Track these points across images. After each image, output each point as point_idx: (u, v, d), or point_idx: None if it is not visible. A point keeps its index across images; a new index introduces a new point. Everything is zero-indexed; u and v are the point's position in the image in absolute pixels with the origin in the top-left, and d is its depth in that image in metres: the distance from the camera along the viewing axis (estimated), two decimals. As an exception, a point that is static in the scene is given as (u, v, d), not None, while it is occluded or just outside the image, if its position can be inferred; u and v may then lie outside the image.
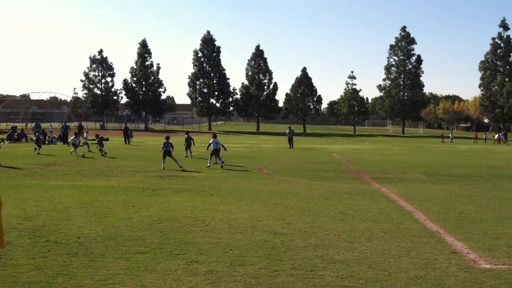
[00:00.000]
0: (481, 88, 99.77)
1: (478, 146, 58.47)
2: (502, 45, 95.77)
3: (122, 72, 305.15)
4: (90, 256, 7.84)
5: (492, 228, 10.50)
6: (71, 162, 24.70)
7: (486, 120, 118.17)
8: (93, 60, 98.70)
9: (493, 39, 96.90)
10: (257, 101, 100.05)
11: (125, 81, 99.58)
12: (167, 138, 23.90)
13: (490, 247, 8.84)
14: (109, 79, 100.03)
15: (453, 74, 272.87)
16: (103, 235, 9.20)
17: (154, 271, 7.10)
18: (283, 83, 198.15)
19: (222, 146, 24.66)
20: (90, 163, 24.36)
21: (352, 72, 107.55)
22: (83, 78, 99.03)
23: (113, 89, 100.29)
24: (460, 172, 22.93)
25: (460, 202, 14.01)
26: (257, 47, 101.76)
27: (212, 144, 24.12)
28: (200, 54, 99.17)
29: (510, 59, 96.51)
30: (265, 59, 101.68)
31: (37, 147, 31.15)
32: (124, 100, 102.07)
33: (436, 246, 8.79)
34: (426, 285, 6.66)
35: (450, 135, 75.34)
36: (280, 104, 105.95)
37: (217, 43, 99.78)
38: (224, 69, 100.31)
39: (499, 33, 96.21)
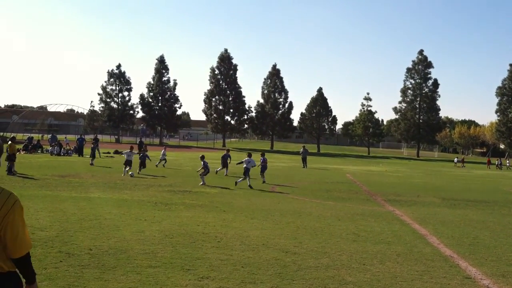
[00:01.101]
0: (498, 113, 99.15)
1: (493, 171, 57.90)
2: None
3: (139, 87, 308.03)
4: (101, 268, 7.85)
5: (506, 254, 10.36)
6: (85, 174, 24.85)
7: (502, 146, 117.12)
8: (111, 74, 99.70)
9: (511, 65, 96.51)
10: (271, 119, 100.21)
11: (141, 95, 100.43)
12: (202, 157, 23.99)
13: (504, 273, 8.72)
14: (126, 93, 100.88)
15: (469, 99, 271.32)
16: (115, 248, 9.21)
17: (165, 286, 7.09)
18: (299, 103, 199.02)
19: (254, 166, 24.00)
20: (104, 176, 24.49)
21: (368, 93, 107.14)
22: (101, 92, 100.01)
23: (129, 104, 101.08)
24: (474, 197, 22.70)
25: (475, 227, 13.85)
26: (274, 66, 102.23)
27: (244, 162, 23.72)
28: (216, 71, 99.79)
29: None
30: (281, 78, 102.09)
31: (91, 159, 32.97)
32: (140, 114, 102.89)
33: (450, 271, 8.69)
34: (438, 310, 6.57)
35: (455, 159, 74.12)
36: (295, 123, 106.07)
37: (234, 61, 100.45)
38: (240, 87, 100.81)
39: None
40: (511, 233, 13.28)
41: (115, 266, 7.99)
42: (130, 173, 25.11)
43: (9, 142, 24.97)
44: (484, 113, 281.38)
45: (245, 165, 23.36)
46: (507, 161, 75.01)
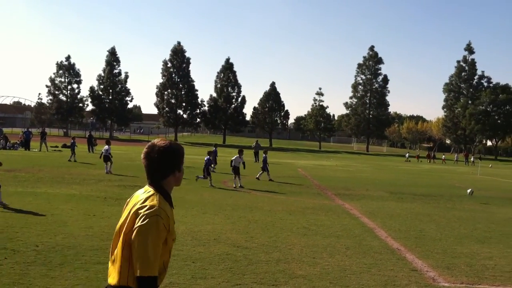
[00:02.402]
0: (445, 109, 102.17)
1: (440, 166, 59.59)
2: (466, 68, 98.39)
3: (89, 79, 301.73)
4: (48, 265, 7.66)
5: (451, 247, 10.69)
6: (32, 169, 24.18)
7: (448, 141, 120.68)
8: (60, 66, 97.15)
9: (458, 62, 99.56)
10: (224, 113, 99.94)
11: (91, 88, 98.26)
12: (209, 153, 23.75)
13: (449, 265, 8.99)
14: (75, 85, 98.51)
15: (417, 95, 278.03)
16: (62, 244, 9.01)
17: (114, 282, 6.97)
18: (252, 97, 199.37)
19: (243, 163, 22.97)
20: (51, 170, 23.89)
21: (320, 88, 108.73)
22: (49, 84, 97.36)
23: (79, 96, 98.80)
24: (421, 191, 23.30)
25: (421, 221, 14.23)
26: (227, 60, 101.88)
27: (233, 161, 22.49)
28: (169, 64, 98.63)
29: (474, 82, 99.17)
30: (234, 72, 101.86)
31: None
32: (90, 107, 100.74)
33: (397, 264, 8.90)
34: (385, 302, 6.72)
35: (406, 154, 75.39)
36: (248, 117, 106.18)
37: (187, 54, 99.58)
38: (193, 81, 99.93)
39: (464, 56, 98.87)
40: (455, 226, 13.70)
41: (62, 263, 7.81)
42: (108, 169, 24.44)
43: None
44: (431, 109, 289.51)
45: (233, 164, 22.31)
46: (455, 155, 77.30)
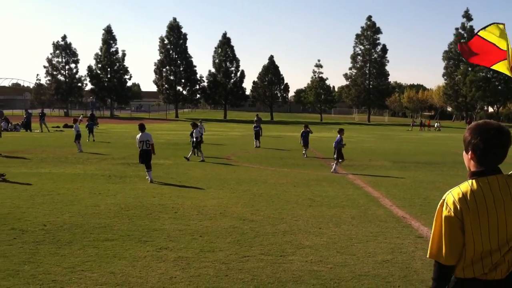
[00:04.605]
0: (445, 77, 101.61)
1: (441, 134, 59.57)
2: (465, 35, 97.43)
3: (87, 58, 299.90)
4: (57, 243, 7.73)
5: (456, 213, 10.72)
6: (35, 150, 24.22)
7: (449, 109, 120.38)
8: (56, 46, 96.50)
9: (457, 29, 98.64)
10: (224, 88, 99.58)
11: (89, 67, 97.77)
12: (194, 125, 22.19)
13: (454, 231, 9.04)
14: (73, 65, 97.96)
15: (417, 64, 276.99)
16: (69, 223, 9.07)
17: (123, 258, 7.05)
18: (251, 71, 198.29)
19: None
20: (54, 151, 23.92)
21: (319, 60, 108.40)
22: (47, 64, 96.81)
23: (77, 76, 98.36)
24: (424, 159, 23.34)
25: (425, 189, 14.28)
26: (224, 35, 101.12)
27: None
28: (166, 41, 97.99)
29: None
30: (232, 46, 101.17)
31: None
32: (89, 87, 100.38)
33: (403, 231, 8.96)
34: (393, 269, 6.78)
35: (436, 124, 74.41)
36: (247, 92, 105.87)
37: (183, 30, 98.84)
38: (191, 57, 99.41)
39: (462, 24, 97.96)
40: (459, 192, 13.73)
41: (71, 241, 7.88)
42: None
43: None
44: (432, 77, 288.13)
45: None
46: (437, 124, 76.64)
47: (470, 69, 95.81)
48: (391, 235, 8.64)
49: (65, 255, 7.12)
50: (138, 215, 9.80)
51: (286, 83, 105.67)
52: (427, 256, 3.05)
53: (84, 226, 8.88)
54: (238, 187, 13.80)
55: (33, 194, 12.06)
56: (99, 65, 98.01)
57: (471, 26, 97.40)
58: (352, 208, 11.02)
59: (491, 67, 3.86)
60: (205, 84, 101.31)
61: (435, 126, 72.33)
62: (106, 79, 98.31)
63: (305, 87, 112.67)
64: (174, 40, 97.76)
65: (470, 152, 3.01)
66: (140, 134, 15.30)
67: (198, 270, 6.57)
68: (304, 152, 24.09)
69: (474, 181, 2.94)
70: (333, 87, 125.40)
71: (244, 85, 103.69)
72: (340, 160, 18.35)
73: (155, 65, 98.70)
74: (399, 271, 6.71)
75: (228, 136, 41.80)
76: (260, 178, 15.76)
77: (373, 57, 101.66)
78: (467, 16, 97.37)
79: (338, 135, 19.14)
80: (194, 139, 21.47)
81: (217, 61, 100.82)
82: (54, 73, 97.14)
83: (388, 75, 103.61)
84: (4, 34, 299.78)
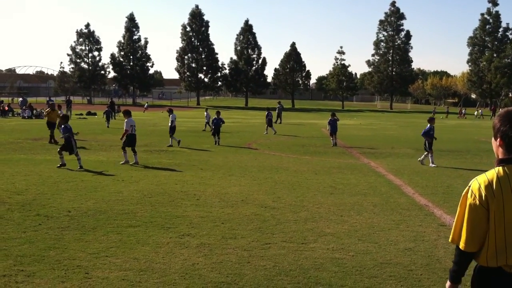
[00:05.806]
0: (469, 63, 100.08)
1: (466, 121, 58.82)
2: (491, 20, 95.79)
3: (110, 46, 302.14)
4: (81, 229, 7.85)
5: (480, 201, 10.61)
6: (58, 137, 24.48)
7: (473, 96, 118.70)
8: (80, 34, 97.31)
9: (482, 14, 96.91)
10: (245, 76, 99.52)
11: (112, 55, 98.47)
12: (218, 113, 23.28)
13: (477, 220, 8.95)
14: (96, 53, 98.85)
15: (441, 50, 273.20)
16: (93, 209, 9.20)
17: (147, 244, 7.13)
18: (272, 59, 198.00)
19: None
20: (78, 138, 24.13)
21: (341, 47, 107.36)
22: (70, 52, 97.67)
23: (100, 64, 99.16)
24: (447, 147, 23.09)
25: (448, 176, 14.14)
26: (246, 22, 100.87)
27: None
28: (188, 29, 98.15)
29: (499, 35, 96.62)
30: (254, 34, 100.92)
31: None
32: (112, 74, 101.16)
33: (425, 219, 8.90)
34: (415, 257, 6.76)
35: (476, 112, 73.44)
36: (269, 79, 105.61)
37: (205, 17, 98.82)
38: (212, 44, 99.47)
39: (488, 9, 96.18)
40: (483, 180, 13.57)
41: (95, 227, 7.99)
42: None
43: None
44: (456, 63, 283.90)
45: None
46: (480, 110, 76.02)
47: (495, 55, 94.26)
48: (413, 223, 8.59)
49: (89, 241, 7.23)
50: (160, 202, 9.90)
51: (308, 70, 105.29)
52: (449, 240, 3.09)
53: (108, 212, 8.99)
54: (259, 175, 13.83)
55: (57, 180, 12.24)
56: (122, 53, 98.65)
57: (496, 12, 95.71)
58: (374, 196, 10.97)
59: None
60: (227, 71, 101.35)
61: (475, 114, 71.45)
62: (129, 67, 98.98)
63: (327, 74, 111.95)
64: (196, 28, 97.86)
65: (498, 139, 2.98)
66: (128, 119, 16.46)
67: (220, 257, 6.62)
68: (332, 139, 23.17)
69: (501, 168, 2.92)
70: (355, 74, 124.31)
71: (265, 72, 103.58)
72: (428, 151, 16.68)
73: (177, 53, 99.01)
74: (421, 259, 6.68)
75: (249, 124, 41.83)
76: (281, 166, 15.77)
77: (396, 43, 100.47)
78: (493, 1, 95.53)
79: (428, 124, 17.54)
80: (212, 127, 21.89)
81: (238, 48, 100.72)
82: (78, 61, 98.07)
83: (412, 61, 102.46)
84: (29, 22, 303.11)
